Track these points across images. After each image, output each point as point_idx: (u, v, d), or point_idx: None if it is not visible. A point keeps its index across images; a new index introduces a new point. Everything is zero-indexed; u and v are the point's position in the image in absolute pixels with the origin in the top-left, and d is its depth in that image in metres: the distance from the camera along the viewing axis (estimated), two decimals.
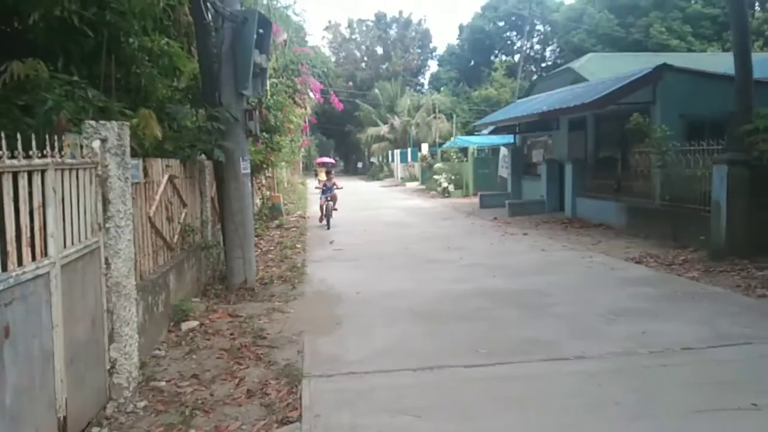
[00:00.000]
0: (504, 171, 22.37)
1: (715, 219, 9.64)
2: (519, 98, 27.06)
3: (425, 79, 63.95)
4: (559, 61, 47.87)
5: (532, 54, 56.13)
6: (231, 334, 6.15)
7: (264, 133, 12.11)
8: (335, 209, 15.99)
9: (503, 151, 22.81)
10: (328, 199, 15.67)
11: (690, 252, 10.03)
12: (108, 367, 4.38)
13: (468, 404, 4.26)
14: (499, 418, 4.02)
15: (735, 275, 8.29)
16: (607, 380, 4.64)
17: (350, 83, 44.95)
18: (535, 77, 46.39)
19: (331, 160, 54.16)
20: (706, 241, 9.65)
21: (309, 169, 50.56)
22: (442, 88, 51.18)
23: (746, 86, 9.93)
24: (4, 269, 2.95)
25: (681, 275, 8.50)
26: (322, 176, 34.27)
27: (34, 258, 3.26)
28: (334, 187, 16.25)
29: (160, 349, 5.63)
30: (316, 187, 32.27)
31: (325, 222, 15.56)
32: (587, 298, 7.30)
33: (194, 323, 6.39)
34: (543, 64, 54.90)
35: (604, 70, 21.78)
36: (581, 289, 7.81)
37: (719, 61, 20.65)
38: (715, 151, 10.19)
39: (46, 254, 3.41)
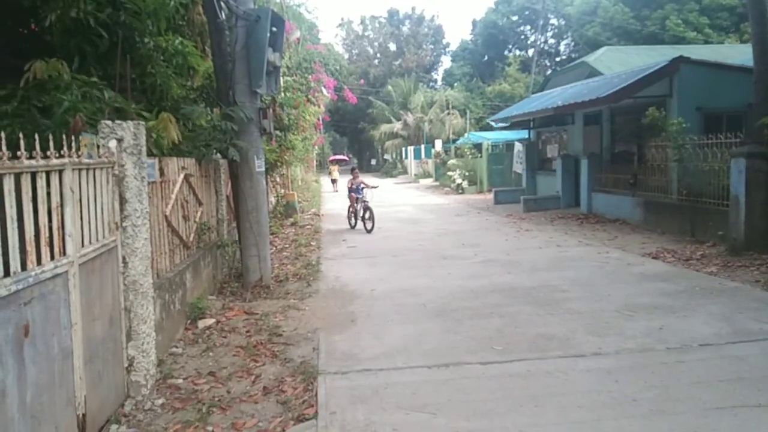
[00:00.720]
0: (518, 167, 22.25)
1: (733, 213, 9.52)
2: (533, 93, 26.88)
3: (438, 75, 63.77)
4: (573, 55, 47.47)
5: (546, 48, 55.73)
6: (247, 332, 6.19)
7: (278, 132, 12.15)
8: (368, 218, 13.91)
9: (518, 146, 22.68)
10: (362, 200, 14.16)
11: (708, 247, 9.91)
12: (126, 365, 4.43)
13: (483, 401, 4.25)
14: (514, 415, 4.00)
15: (754, 270, 8.17)
16: (624, 377, 4.60)
17: (362, 81, 44.89)
18: (549, 72, 46.02)
19: (344, 157, 53.75)
20: (724, 236, 9.53)
21: (323, 166, 50.65)
22: (455, 84, 51.02)
23: (765, 78, 9.78)
24: (24, 268, 2.99)
25: (699, 270, 8.40)
26: (335, 174, 33.41)
27: (52, 257, 3.30)
28: (363, 186, 14.48)
29: (177, 347, 5.68)
30: (333, 191, 32.20)
31: (355, 224, 14.41)
32: (603, 294, 7.24)
33: (211, 321, 6.44)
34: (557, 59, 54.41)
35: (620, 64, 21.62)
36: (597, 285, 7.75)
37: (737, 53, 20.40)
38: (733, 145, 10.04)
39: (64, 253, 3.45)
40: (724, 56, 19.16)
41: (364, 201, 14.15)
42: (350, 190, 14.71)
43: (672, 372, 4.68)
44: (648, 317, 6.16)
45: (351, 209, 14.71)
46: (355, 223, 14.55)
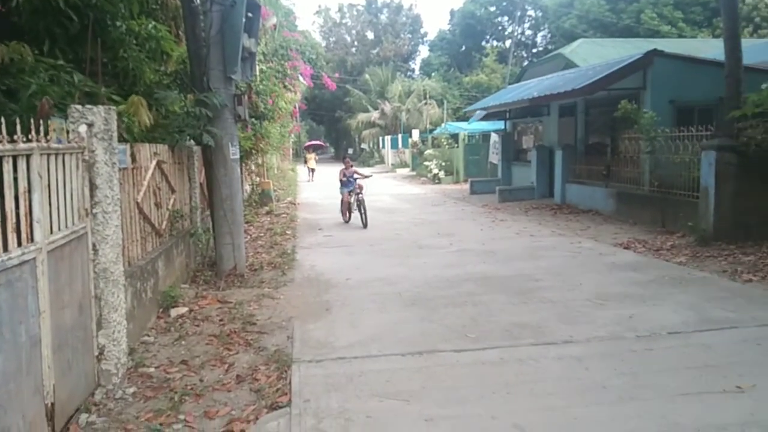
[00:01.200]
0: (494, 157, 22.38)
1: (703, 204, 9.71)
2: (510, 84, 27.02)
3: (416, 65, 63.73)
4: (550, 47, 47.77)
5: (523, 39, 56.02)
6: (220, 320, 6.15)
7: (253, 119, 12.03)
8: (362, 209, 12.87)
9: (494, 137, 22.80)
10: (355, 192, 13.07)
11: (678, 237, 10.11)
12: (96, 354, 4.37)
13: (456, 388, 4.29)
14: (487, 402, 4.05)
15: (722, 260, 8.36)
16: (595, 364, 4.68)
17: (337, 74, 44.52)
18: (526, 63, 46.32)
19: (321, 143, 52.94)
20: (693, 227, 9.73)
21: (299, 155, 50.31)
22: (433, 74, 51.00)
23: (736, 72, 9.96)
24: None
25: (669, 260, 8.57)
26: (312, 163, 31.04)
27: (20, 244, 3.22)
28: (356, 176, 13.44)
29: (149, 336, 5.62)
30: (309, 180, 28.25)
31: (350, 219, 13.44)
32: (575, 283, 7.34)
33: (183, 309, 6.38)
34: (534, 50, 54.75)
35: (595, 56, 21.84)
36: (569, 274, 7.85)
37: (710, 47, 20.75)
38: (704, 137, 10.23)
39: (32, 240, 3.37)
40: (697, 50, 19.47)
41: (357, 194, 12.97)
42: (343, 183, 13.32)
43: (641, 359, 4.77)
44: (618, 306, 6.27)
45: (345, 201, 13.39)
46: (349, 217, 13.48)
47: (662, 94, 12.57)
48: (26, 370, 3.25)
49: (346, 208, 13.45)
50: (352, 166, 13.87)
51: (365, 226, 12.56)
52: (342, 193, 13.38)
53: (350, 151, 62.29)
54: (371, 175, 13.50)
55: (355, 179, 13.29)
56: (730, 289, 6.89)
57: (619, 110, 11.77)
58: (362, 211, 12.79)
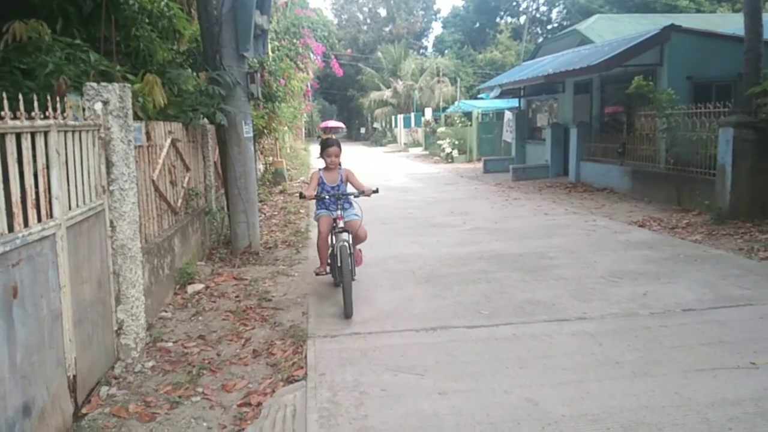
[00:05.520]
0: (508, 135, 22.22)
1: (719, 182, 9.60)
2: (524, 61, 26.69)
3: (429, 42, 63.10)
4: (565, 23, 47.05)
5: (537, 16, 55.17)
6: (236, 297, 6.23)
7: (265, 99, 12.01)
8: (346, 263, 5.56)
9: (508, 115, 22.60)
10: (339, 228, 5.88)
11: (694, 215, 10.02)
12: (115, 328, 4.45)
13: (470, 363, 4.33)
14: (500, 377, 4.08)
15: (738, 238, 8.29)
16: (608, 340, 4.69)
17: (348, 50, 44.00)
18: (540, 39, 45.61)
19: (339, 124, 50.21)
20: (710, 205, 9.63)
21: (312, 135, 50.14)
22: (446, 51, 50.52)
23: (756, 47, 9.77)
24: (11, 230, 2.97)
25: (684, 238, 8.51)
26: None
27: (39, 220, 3.28)
28: (346, 185, 6.26)
29: (166, 311, 5.71)
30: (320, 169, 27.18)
31: (326, 273, 6.24)
32: (589, 260, 7.33)
33: (200, 286, 6.46)
34: (549, 26, 53.93)
35: (611, 32, 21.46)
36: (583, 252, 7.83)
37: (729, 22, 20.29)
38: (722, 114, 10.07)
39: (51, 216, 3.43)
40: (716, 25, 19.05)
41: (341, 230, 5.87)
42: (320, 202, 6.20)
43: (655, 336, 4.77)
44: (632, 283, 6.26)
45: (322, 234, 6.12)
46: (327, 269, 6.24)
47: (679, 70, 12.36)
48: (48, 343, 3.32)
49: (324, 251, 6.18)
50: (338, 156, 6.22)
51: (348, 314, 5.37)
52: (317, 218, 6.19)
53: (363, 130, 61.52)
54: (377, 190, 6.30)
55: (345, 197, 6.11)
56: (746, 267, 6.84)
57: (632, 86, 11.59)
58: (347, 268, 5.47)
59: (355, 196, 6.22)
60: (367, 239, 6.32)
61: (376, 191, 6.27)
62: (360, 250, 6.29)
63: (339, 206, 5.97)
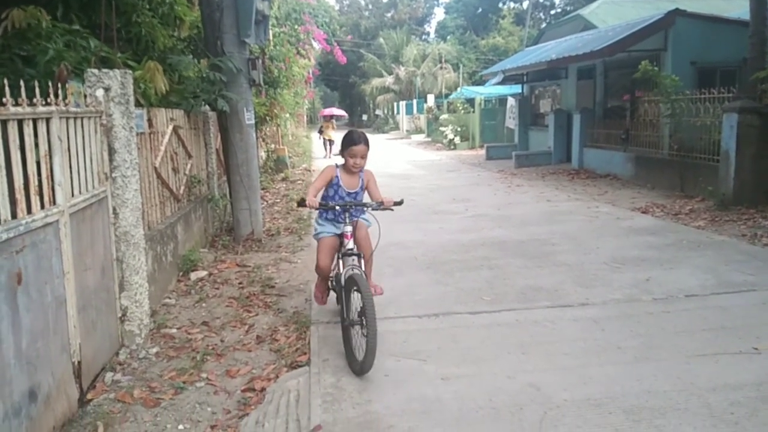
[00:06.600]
0: (511, 122, 22.14)
1: (723, 168, 9.57)
2: (527, 47, 26.51)
3: (431, 28, 62.78)
4: (568, 8, 46.69)
5: (541, 1, 54.68)
6: (240, 283, 6.25)
7: (267, 85, 11.96)
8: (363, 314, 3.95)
9: (510, 101, 22.51)
10: (347, 250, 4.41)
11: (697, 202, 10.00)
12: (119, 315, 4.47)
13: (472, 349, 4.34)
14: (502, 362, 4.09)
15: (741, 224, 8.28)
16: (610, 326, 4.70)
17: (350, 36, 43.65)
18: (543, 25, 45.31)
19: (341, 112, 48.95)
20: (713, 191, 9.61)
21: (314, 122, 49.94)
22: (448, 37, 50.23)
23: (761, 31, 9.70)
24: (14, 217, 2.97)
25: (687, 224, 8.49)
26: (330, 133, 23.41)
27: (42, 206, 3.28)
28: (363, 191, 4.81)
29: (170, 298, 5.73)
30: (326, 157, 20.32)
31: (323, 300, 5.13)
32: (592, 247, 7.33)
33: (203, 273, 6.48)
34: (552, 12, 53.52)
35: (615, 17, 21.27)
36: (586, 238, 7.83)
37: (734, 6, 20.08)
38: (726, 99, 10.01)
39: (54, 203, 3.43)
40: (721, 9, 18.87)
41: (351, 252, 4.43)
42: (327, 216, 4.71)
43: (657, 321, 4.78)
44: (635, 269, 6.26)
45: (323, 266, 4.71)
46: (324, 299, 5.13)
47: (684, 55, 12.28)
48: (53, 329, 3.34)
49: (322, 288, 5.04)
50: (365, 158, 4.69)
51: (361, 370, 3.92)
52: (318, 238, 4.77)
53: (364, 117, 61.25)
54: (401, 201, 4.63)
55: (359, 207, 4.67)
56: (749, 253, 6.83)
57: (639, 71, 11.52)
58: (363, 324, 3.88)
59: (372, 209, 4.58)
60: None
61: (400, 203, 4.61)
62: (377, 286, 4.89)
63: (349, 220, 4.50)
